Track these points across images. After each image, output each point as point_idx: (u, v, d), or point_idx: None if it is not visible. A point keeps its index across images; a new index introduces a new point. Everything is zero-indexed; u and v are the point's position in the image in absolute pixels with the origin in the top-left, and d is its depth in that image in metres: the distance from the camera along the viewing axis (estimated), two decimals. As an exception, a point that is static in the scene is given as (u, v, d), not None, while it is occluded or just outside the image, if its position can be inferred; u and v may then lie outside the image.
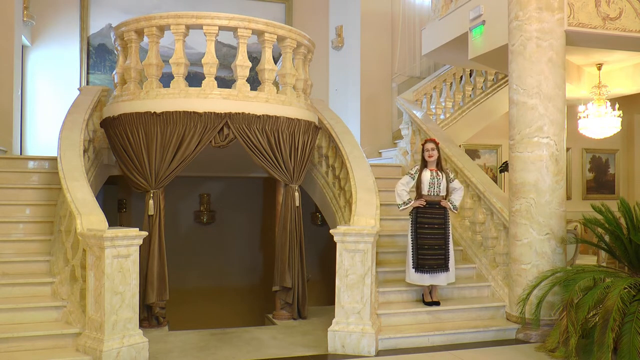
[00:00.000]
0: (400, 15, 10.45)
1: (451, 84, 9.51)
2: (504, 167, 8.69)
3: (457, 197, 5.86)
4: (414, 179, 5.81)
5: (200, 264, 9.07)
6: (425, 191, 5.74)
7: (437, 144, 5.84)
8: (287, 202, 6.54)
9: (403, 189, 5.78)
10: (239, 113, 6.01)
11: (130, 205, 8.50)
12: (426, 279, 5.73)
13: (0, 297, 5.06)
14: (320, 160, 7.52)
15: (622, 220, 5.34)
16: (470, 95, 9.49)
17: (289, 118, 6.32)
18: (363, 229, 5.18)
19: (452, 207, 5.80)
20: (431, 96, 9.37)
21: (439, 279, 5.74)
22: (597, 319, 4.75)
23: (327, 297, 7.87)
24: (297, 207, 6.58)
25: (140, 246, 4.84)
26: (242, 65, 6.16)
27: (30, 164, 6.91)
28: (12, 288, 5.16)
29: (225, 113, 5.98)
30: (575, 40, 6.11)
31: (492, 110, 9.50)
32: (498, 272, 6.30)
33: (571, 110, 8.17)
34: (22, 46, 9.09)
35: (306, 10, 10.97)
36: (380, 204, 6.01)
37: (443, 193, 5.76)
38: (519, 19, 5.72)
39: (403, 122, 8.72)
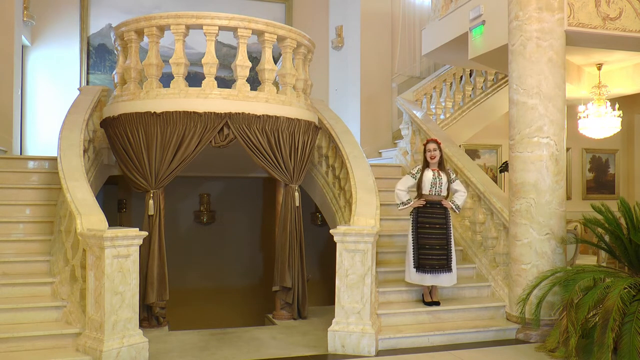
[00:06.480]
0: (400, 15, 10.45)
1: (451, 84, 9.51)
2: (504, 167, 8.69)
3: (459, 197, 5.82)
4: (415, 179, 5.79)
5: (200, 264, 9.06)
6: (426, 191, 5.72)
7: (439, 144, 5.83)
8: (287, 202, 6.54)
9: (402, 190, 5.78)
10: (239, 113, 6.01)
11: (130, 205, 8.50)
12: (427, 279, 5.70)
13: (0, 297, 5.06)
14: (320, 160, 7.52)
15: (622, 220, 5.34)
16: (470, 95, 9.49)
17: (289, 118, 6.32)
18: (363, 229, 5.18)
19: (454, 206, 5.77)
20: (431, 96, 9.37)
21: (441, 280, 5.70)
22: (597, 319, 4.75)
23: (327, 297, 7.87)
24: (297, 207, 6.58)
25: (140, 246, 4.84)
26: (242, 65, 6.16)
27: (30, 164, 6.91)
28: (12, 288, 5.16)
29: (225, 113, 5.98)
30: (575, 40, 6.11)
31: (492, 110, 9.50)
32: (498, 272, 6.30)
33: (571, 110, 8.17)
34: (22, 46, 9.09)
35: (306, 10, 10.97)
36: (380, 204, 6.01)
37: (444, 193, 5.75)
38: (519, 19, 5.72)
39: (403, 122, 8.72)
